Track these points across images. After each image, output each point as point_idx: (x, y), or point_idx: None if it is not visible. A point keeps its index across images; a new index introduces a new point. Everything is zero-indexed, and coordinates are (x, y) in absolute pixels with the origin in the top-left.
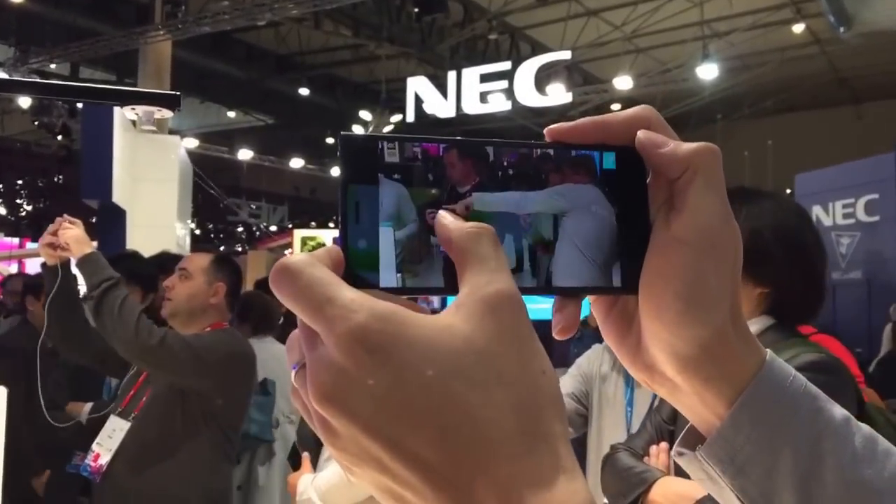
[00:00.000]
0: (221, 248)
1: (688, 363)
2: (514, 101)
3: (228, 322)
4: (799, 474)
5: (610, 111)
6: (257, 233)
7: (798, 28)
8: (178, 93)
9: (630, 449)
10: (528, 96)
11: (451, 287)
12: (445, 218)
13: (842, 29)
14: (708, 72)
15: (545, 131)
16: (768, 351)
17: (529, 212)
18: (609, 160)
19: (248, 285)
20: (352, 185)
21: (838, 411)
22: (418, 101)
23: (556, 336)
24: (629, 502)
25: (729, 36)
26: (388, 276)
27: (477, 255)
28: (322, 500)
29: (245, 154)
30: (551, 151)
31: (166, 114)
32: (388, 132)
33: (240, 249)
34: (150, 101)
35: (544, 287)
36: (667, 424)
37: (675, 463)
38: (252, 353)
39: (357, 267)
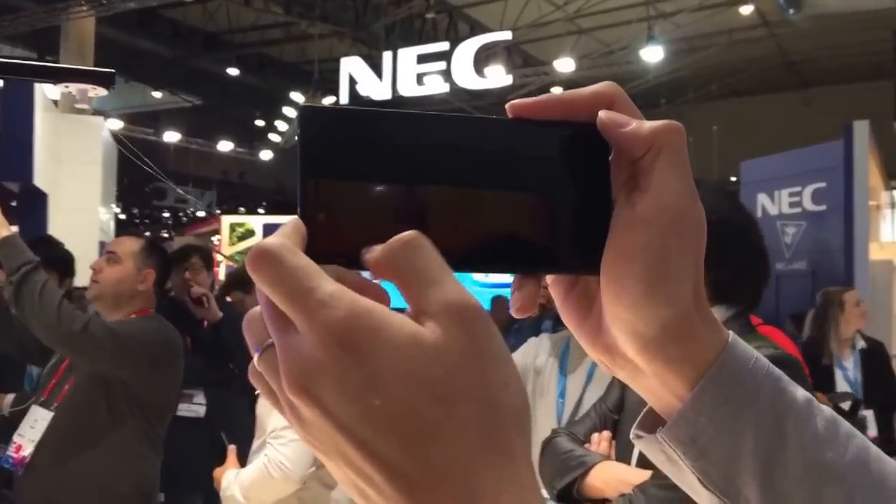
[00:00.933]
0: (147, 234)
1: (649, 344)
2: (452, 83)
3: (154, 310)
4: (761, 456)
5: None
6: (184, 218)
7: (746, 10)
8: (112, 70)
9: (571, 434)
10: (467, 78)
11: None
12: (370, 251)
13: (791, 11)
14: (652, 54)
15: (507, 107)
16: (730, 333)
17: (491, 188)
18: (571, 138)
19: None
20: (312, 156)
21: (801, 393)
22: (352, 82)
23: (515, 314)
24: (565, 484)
25: (675, 17)
26: (348, 249)
27: (418, 268)
28: (245, 497)
29: (172, 136)
30: (513, 127)
31: (101, 92)
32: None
33: (166, 235)
34: (85, 78)
35: (504, 264)
36: (612, 413)
37: (615, 452)
38: (178, 341)
39: (318, 238)
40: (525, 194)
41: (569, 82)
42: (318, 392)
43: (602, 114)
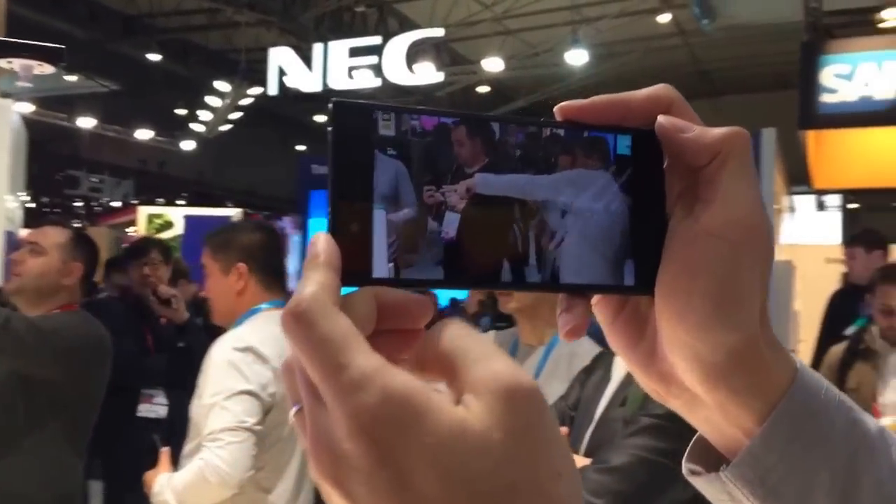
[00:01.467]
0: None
1: (712, 372)
2: (384, 78)
3: (79, 305)
4: (835, 496)
5: (476, 93)
6: (98, 208)
7: (664, 18)
8: (62, 46)
9: None
10: (398, 74)
11: (451, 279)
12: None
13: (705, 21)
14: (577, 57)
15: (556, 109)
16: (798, 359)
17: (536, 198)
18: (624, 144)
19: None
20: (343, 160)
21: (871, 422)
22: (281, 73)
23: (565, 338)
24: None
25: (597, 23)
26: (381, 265)
27: (465, 348)
28: (179, 502)
29: (87, 122)
30: (562, 131)
31: (47, 69)
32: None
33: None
34: (32, 54)
35: (550, 284)
36: (570, 411)
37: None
38: (106, 339)
39: (347, 255)
40: (573, 205)
41: (496, 81)
42: (342, 482)
43: (662, 119)
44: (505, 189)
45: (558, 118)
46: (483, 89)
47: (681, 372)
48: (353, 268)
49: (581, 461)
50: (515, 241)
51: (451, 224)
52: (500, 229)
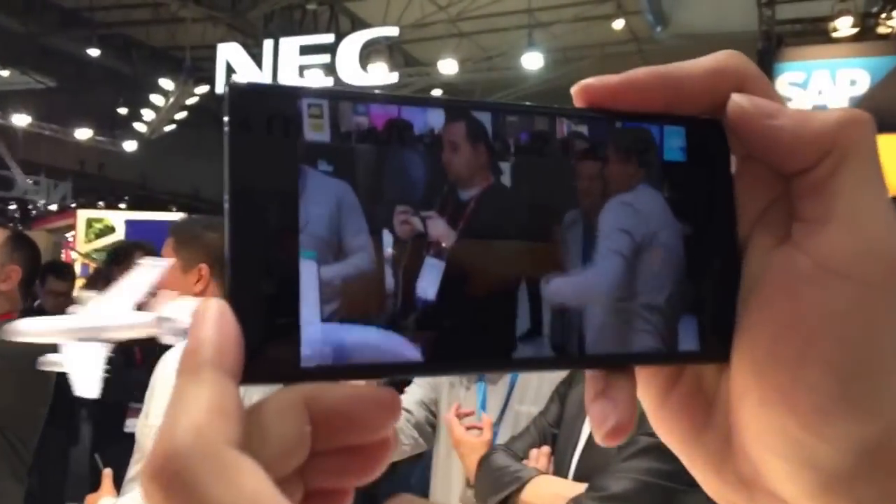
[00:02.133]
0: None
1: (833, 480)
2: (336, 78)
3: (18, 314)
4: None
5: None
6: (34, 211)
7: (618, 24)
8: None
9: (508, 450)
10: (351, 74)
11: (434, 361)
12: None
13: (658, 28)
14: (531, 62)
15: (577, 88)
16: None
17: (546, 229)
18: (675, 141)
19: None
20: (246, 182)
21: None
22: (230, 70)
23: (605, 442)
24: (498, 501)
25: (552, 27)
26: (315, 347)
27: None
28: None
29: (21, 120)
30: (586, 126)
31: None
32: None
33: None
34: None
35: (575, 357)
36: (551, 428)
37: (552, 465)
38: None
39: (258, 332)
40: (603, 240)
41: (449, 85)
42: None
43: (739, 99)
44: (504, 219)
45: (578, 103)
46: (436, 93)
47: (776, 478)
48: (268, 356)
49: (574, 488)
50: (524, 303)
51: (431, 277)
52: (507, 282)
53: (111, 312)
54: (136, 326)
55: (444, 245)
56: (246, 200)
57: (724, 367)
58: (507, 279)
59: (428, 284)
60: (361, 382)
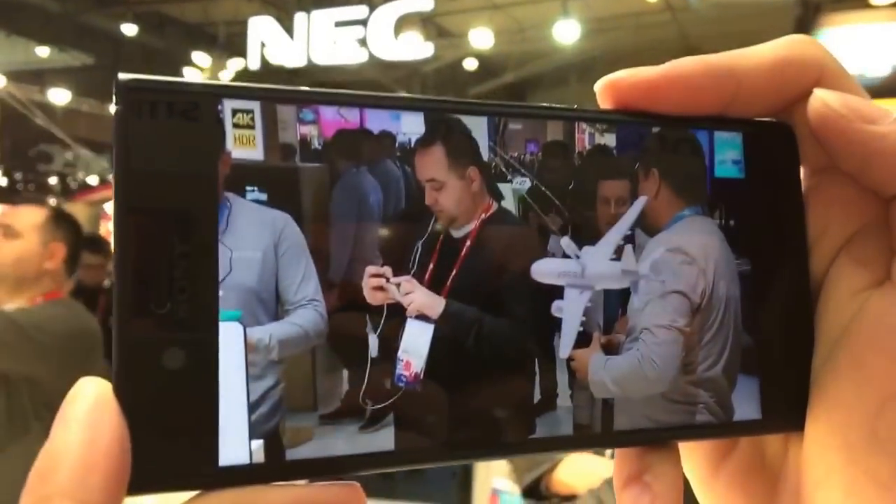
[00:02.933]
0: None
1: None
2: (369, 52)
3: (65, 293)
4: None
5: (463, 69)
6: (73, 184)
7: None
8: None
9: None
10: (384, 47)
11: (414, 451)
12: None
13: None
14: (567, 33)
15: (601, 86)
16: None
17: (576, 284)
18: (730, 151)
19: None
20: (141, 215)
21: None
22: (262, 45)
23: None
24: (532, 479)
25: None
26: (239, 440)
27: None
28: None
29: (60, 96)
30: (613, 134)
31: None
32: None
33: (54, 202)
34: None
35: (602, 435)
36: None
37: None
38: (96, 331)
39: (156, 422)
40: (640, 287)
41: (483, 57)
42: None
43: (826, 96)
44: (501, 256)
45: (604, 104)
46: (471, 64)
47: None
48: (173, 455)
49: (609, 467)
50: (538, 364)
51: (416, 342)
52: (516, 350)
53: None
54: None
55: (428, 303)
56: (141, 237)
57: (794, 438)
58: (516, 345)
59: (412, 351)
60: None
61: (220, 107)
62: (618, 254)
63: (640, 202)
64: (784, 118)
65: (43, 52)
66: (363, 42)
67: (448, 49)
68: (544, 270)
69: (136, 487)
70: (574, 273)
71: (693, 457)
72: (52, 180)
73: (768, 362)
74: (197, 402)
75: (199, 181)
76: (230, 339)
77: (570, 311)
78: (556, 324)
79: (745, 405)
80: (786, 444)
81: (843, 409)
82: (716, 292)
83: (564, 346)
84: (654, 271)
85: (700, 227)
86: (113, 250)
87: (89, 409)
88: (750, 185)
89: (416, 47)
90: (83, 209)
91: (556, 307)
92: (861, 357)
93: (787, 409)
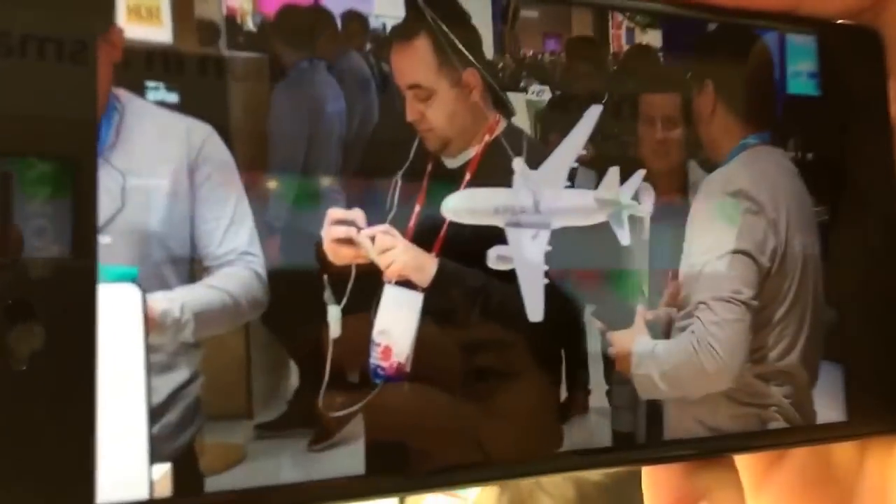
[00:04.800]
0: None
1: None
2: None
3: None
4: None
5: None
6: None
7: None
8: None
9: None
10: None
11: (392, 478)
12: None
13: None
14: None
15: None
16: None
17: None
18: (804, 61)
19: None
20: None
21: None
22: None
23: None
24: None
25: None
26: (130, 468)
27: None
28: None
29: None
30: (658, 31)
31: None
32: None
33: None
34: None
35: (646, 447)
36: None
37: None
38: None
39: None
40: (700, 275)
41: None
42: None
43: None
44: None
45: None
46: None
47: None
48: (25, 496)
49: None
50: (565, 350)
51: (397, 320)
52: (532, 323)
53: None
54: None
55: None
56: None
57: (876, 443)
58: (536, 323)
59: (392, 331)
60: None
61: None
62: (572, 179)
63: (594, 112)
64: (869, 21)
65: None
66: None
67: None
68: (463, 206)
69: None
70: (517, 208)
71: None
72: None
73: (857, 345)
74: (62, 407)
75: (69, 70)
76: (119, 310)
77: (524, 262)
78: (592, 294)
79: (828, 402)
80: (862, 451)
81: None
82: (790, 252)
83: (532, 308)
84: (708, 219)
85: (768, 160)
86: None
87: None
88: (829, 105)
89: None
90: None
91: (495, 256)
92: None
93: (881, 407)
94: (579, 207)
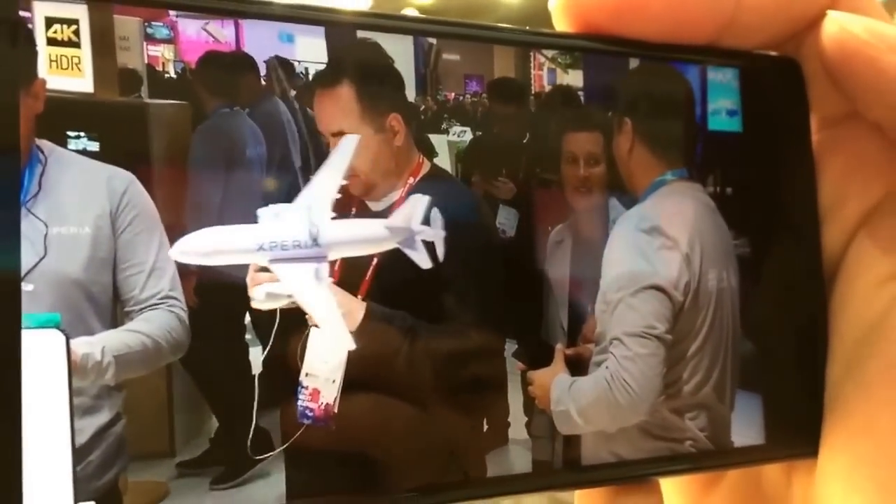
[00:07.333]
0: None
1: None
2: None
3: None
4: None
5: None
6: None
7: None
8: None
9: None
10: None
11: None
12: None
13: None
14: None
15: (558, 4)
16: None
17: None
18: (725, 93)
19: None
20: None
21: None
22: None
23: None
24: None
25: None
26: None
27: None
28: None
29: None
30: (579, 72)
31: None
32: None
33: None
34: None
35: (566, 472)
36: None
37: None
38: None
39: None
40: (615, 311)
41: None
42: None
43: (843, 20)
44: (462, 259)
45: (564, 24)
46: (409, 12)
47: None
48: None
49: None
50: (487, 386)
51: (324, 362)
52: (459, 362)
53: None
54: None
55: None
56: None
57: (800, 466)
58: (463, 361)
59: (319, 374)
60: None
61: (27, 13)
62: (339, 210)
63: (350, 141)
64: (789, 52)
65: None
66: None
67: (387, 0)
68: (213, 246)
69: None
70: (284, 243)
71: (673, 484)
72: None
73: (773, 374)
74: None
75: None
76: (43, 355)
77: (309, 301)
78: (513, 333)
79: (745, 428)
80: (789, 473)
81: (873, 435)
82: (704, 286)
83: (316, 358)
84: (625, 252)
85: (685, 196)
86: None
87: None
88: (749, 139)
89: None
90: None
91: (263, 294)
92: (892, 362)
93: (796, 432)
94: (367, 237)
